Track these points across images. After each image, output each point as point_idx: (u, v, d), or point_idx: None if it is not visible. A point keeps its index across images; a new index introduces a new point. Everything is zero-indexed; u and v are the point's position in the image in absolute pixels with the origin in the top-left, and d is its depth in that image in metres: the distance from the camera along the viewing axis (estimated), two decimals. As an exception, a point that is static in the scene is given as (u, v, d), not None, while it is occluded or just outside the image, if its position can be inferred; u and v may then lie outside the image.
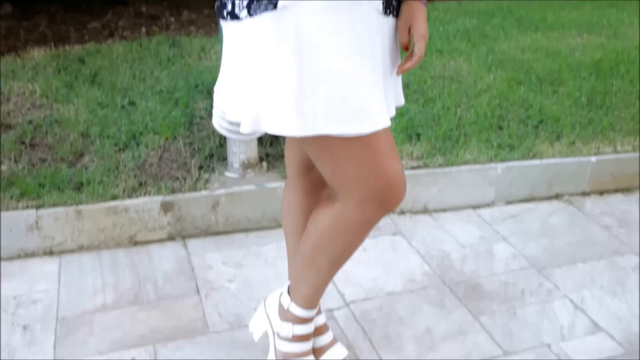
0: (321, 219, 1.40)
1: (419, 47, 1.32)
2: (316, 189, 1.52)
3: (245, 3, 1.22)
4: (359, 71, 1.21)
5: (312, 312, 1.58)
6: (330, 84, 1.19)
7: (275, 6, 1.18)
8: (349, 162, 1.27)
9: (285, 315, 1.59)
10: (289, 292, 1.60)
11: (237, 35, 1.26)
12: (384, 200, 1.31)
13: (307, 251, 1.45)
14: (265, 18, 1.20)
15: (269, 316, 1.64)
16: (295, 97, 1.20)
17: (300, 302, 1.55)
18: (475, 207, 2.58)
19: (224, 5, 1.27)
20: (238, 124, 2.30)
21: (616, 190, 2.76)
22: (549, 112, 2.82)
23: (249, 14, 1.21)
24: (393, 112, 1.38)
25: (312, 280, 1.49)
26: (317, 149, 1.30)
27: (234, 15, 1.24)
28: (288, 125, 1.21)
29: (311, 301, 1.54)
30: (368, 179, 1.29)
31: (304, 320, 1.58)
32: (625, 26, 4.10)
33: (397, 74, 1.36)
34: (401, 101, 1.45)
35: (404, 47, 1.36)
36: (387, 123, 1.25)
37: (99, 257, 2.19)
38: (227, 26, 1.28)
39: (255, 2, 1.20)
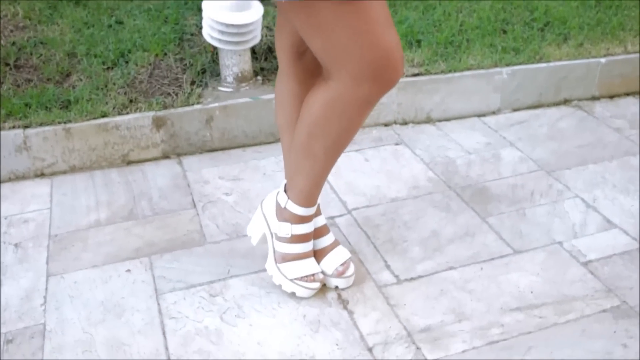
0: (315, 101, 1.31)
1: None
2: (310, 77, 1.42)
3: None
4: None
5: (311, 210, 1.50)
6: None
7: None
8: (340, 30, 1.17)
9: (283, 214, 1.52)
10: (285, 191, 1.52)
11: None
12: (380, 75, 1.22)
13: (301, 139, 1.37)
14: None
15: (266, 217, 1.57)
16: None
17: (298, 199, 1.47)
18: (481, 115, 2.48)
19: None
20: (228, 33, 2.20)
21: (627, 94, 2.65)
22: (555, 14, 2.69)
23: None
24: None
25: (308, 172, 1.41)
26: (305, 18, 1.19)
27: None
28: None
29: (309, 197, 1.47)
30: (361, 50, 1.18)
31: (303, 219, 1.51)
32: None
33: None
34: None
35: None
36: (381, -11, 1.14)
37: (92, 177, 2.12)
38: None
39: None
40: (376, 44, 1.18)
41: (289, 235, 1.52)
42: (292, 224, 1.51)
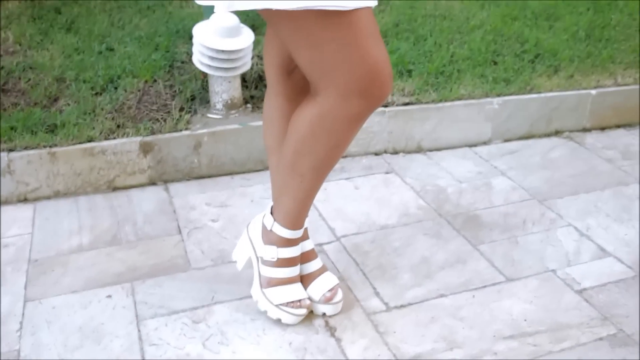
0: (302, 118, 1.28)
1: None
2: (299, 94, 1.38)
3: None
4: None
5: (298, 233, 1.46)
6: None
7: None
8: (328, 44, 1.15)
9: (269, 237, 1.48)
10: (272, 213, 1.48)
11: None
12: (369, 90, 1.19)
13: (288, 158, 1.33)
14: None
15: (252, 241, 1.52)
16: None
17: (284, 221, 1.43)
18: (472, 145, 2.46)
19: None
20: (218, 59, 2.18)
21: (618, 126, 2.64)
22: (545, 46, 2.70)
23: None
24: (376, 2, 1.25)
25: (295, 192, 1.37)
26: (292, 29, 1.17)
27: None
28: None
29: (295, 219, 1.43)
30: (349, 64, 1.16)
31: (289, 242, 1.46)
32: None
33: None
34: None
35: None
36: (370, 1, 1.12)
37: (76, 202, 2.08)
38: None
39: None
40: (364, 58, 1.16)
41: (275, 259, 1.47)
42: (278, 247, 1.47)
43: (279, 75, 1.41)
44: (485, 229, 1.92)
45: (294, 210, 1.41)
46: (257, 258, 1.52)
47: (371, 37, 1.17)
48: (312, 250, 1.57)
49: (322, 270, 1.57)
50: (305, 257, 1.55)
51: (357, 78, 1.18)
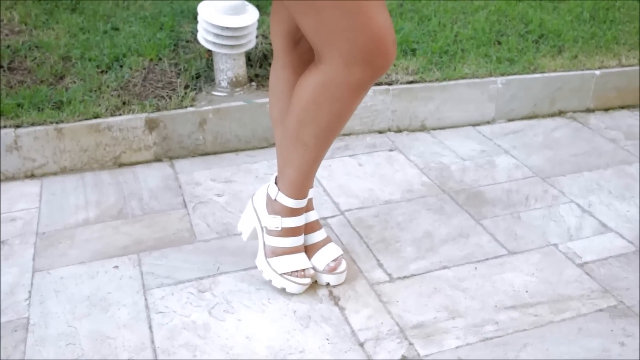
0: (305, 86, 1.29)
1: None
2: (304, 66, 1.39)
3: None
4: None
5: (302, 203, 1.48)
6: None
7: None
8: (332, 10, 1.16)
9: (273, 206, 1.49)
10: (276, 183, 1.50)
11: None
12: (372, 60, 1.20)
13: (291, 127, 1.35)
14: None
15: (257, 211, 1.54)
16: None
17: (288, 190, 1.45)
18: (475, 124, 2.47)
19: None
20: (223, 36, 2.20)
21: (621, 107, 2.65)
22: (549, 27, 2.70)
23: None
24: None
25: (299, 162, 1.38)
26: (298, -2, 1.18)
27: None
28: None
29: (299, 188, 1.44)
30: (353, 32, 1.17)
31: (293, 212, 1.48)
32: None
33: None
34: None
35: None
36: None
37: (82, 178, 2.09)
38: None
39: None
40: (368, 26, 1.17)
41: (279, 229, 1.49)
42: (282, 216, 1.48)
43: (286, 46, 1.42)
44: (488, 205, 1.94)
45: (298, 179, 1.43)
46: (262, 228, 1.53)
47: (375, 4, 1.17)
48: (317, 221, 1.58)
49: (326, 241, 1.59)
50: (310, 228, 1.56)
51: (360, 45, 1.19)
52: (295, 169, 1.41)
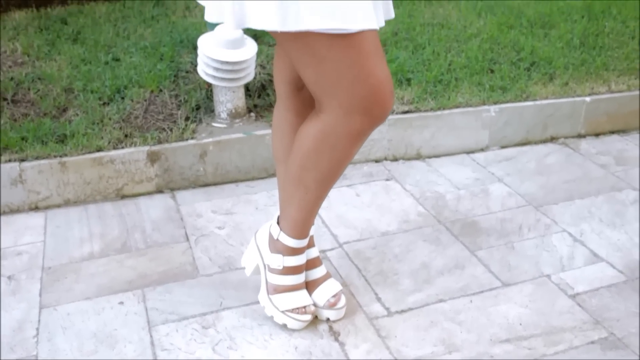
0: (306, 133, 1.34)
1: None
2: (307, 109, 1.45)
3: None
4: None
5: (303, 242, 1.53)
6: None
7: None
8: (333, 63, 1.21)
9: (276, 246, 1.54)
10: (278, 222, 1.55)
11: None
12: (370, 109, 1.26)
13: (293, 171, 1.40)
14: None
15: (260, 249, 1.59)
16: None
17: (290, 231, 1.50)
18: (469, 151, 2.53)
19: None
20: (223, 70, 2.25)
21: (612, 132, 2.71)
22: (541, 54, 2.76)
23: None
24: (382, 23, 1.31)
25: (300, 203, 1.44)
26: (299, 48, 1.24)
27: None
28: (269, 19, 1.15)
29: (301, 228, 1.49)
30: (352, 84, 1.23)
31: (295, 251, 1.53)
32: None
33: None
34: (391, 14, 1.38)
35: None
36: (373, 24, 1.19)
37: (86, 210, 2.14)
38: None
39: None
40: (367, 78, 1.23)
41: (281, 267, 1.54)
42: (284, 255, 1.53)
43: (289, 91, 1.48)
44: (482, 235, 1.99)
45: (300, 220, 1.48)
46: (265, 265, 1.58)
47: (374, 56, 1.23)
48: (317, 257, 1.63)
49: (326, 276, 1.64)
50: (311, 264, 1.61)
51: (359, 97, 1.24)
52: (297, 210, 1.46)
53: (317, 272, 1.62)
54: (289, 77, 1.46)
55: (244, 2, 1.19)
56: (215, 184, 2.29)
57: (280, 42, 1.30)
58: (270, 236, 1.56)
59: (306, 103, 1.46)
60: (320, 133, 1.31)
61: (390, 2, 1.39)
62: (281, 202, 1.53)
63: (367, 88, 1.23)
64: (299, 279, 1.57)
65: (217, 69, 2.25)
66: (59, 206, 2.16)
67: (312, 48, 1.21)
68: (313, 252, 1.62)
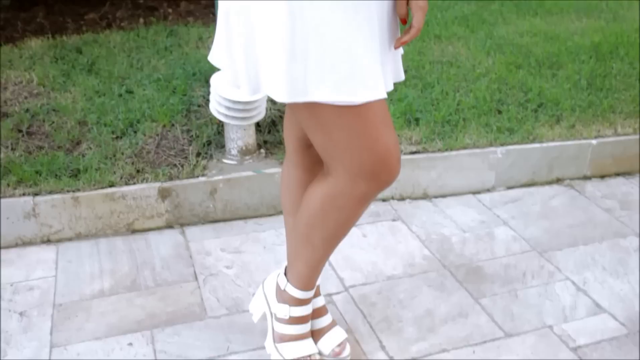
0: (314, 194, 1.38)
1: (417, 19, 1.29)
2: (315, 165, 1.49)
3: None
4: (353, 36, 1.19)
5: (309, 294, 1.56)
6: (321, 49, 1.17)
7: None
8: (340, 131, 1.25)
9: (282, 296, 1.58)
10: (285, 273, 1.58)
11: None
12: (377, 175, 1.29)
13: (301, 228, 1.44)
14: None
15: (267, 297, 1.63)
16: (285, 61, 1.18)
17: (297, 282, 1.53)
18: (476, 192, 2.56)
19: None
20: (235, 109, 2.29)
21: (617, 174, 2.74)
22: (548, 95, 2.80)
23: None
24: (391, 86, 1.35)
25: (307, 259, 1.47)
26: (308, 116, 1.28)
27: None
28: (277, 90, 1.19)
29: (307, 281, 1.53)
30: (359, 151, 1.26)
31: (301, 302, 1.56)
32: (624, 9, 4.07)
33: (395, 47, 1.33)
34: (401, 76, 1.42)
35: (402, 20, 1.33)
36: (381, 94, 1.22)
37: (97, 244, 2.18)
38: None
39: None
40: (373, 147, 1.26)
41: (287, 317, 1.57)
42: (290, 305, 1.57)
43: (298, 147, 1.52)
44: (486, 282, 2.02)
45: (306, 273, 1.51)
46: (272, 314, 1.62)
47: (381, 124, 1.27)
48: (324, 306, 1.67)
49: (332, 325, 1.67)
50: (317, 313, 1.64)
51: (366, 163, 1.28)
52: (303, 264, 1.50)
53: (323, 321, 1.65)
54: (298, 135, 1.50)
55: (259, 70, 1.23)
56: (224, 220, 2.33)
57: (290, 106, 1.34)
58: (278, 286, 1.59)
59: (314, 160, 1.50)
60: (327, 195, 1.35)
61: (400, 63, 1.43)
62: (289, 254, 1.56)
63: (374, 156, 1.27)
64: (305, 328, 1.60)
65: (229, 108, 2.30)
66: (70, 239, 2.20)
67: (320, 116, 1.25)
68: (319, 302, 1.65)
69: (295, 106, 1.29)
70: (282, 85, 1.19)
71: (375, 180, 1.30)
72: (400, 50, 1.42)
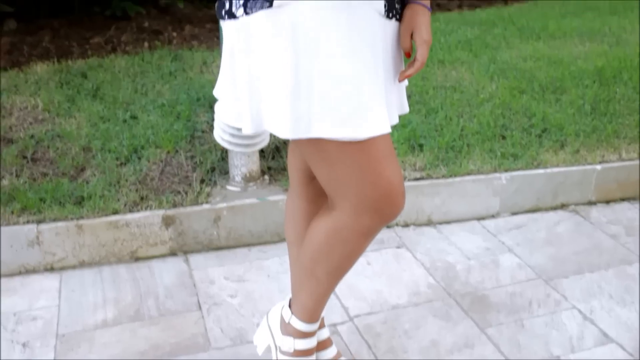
0: (318, 228, 1.38)
1: (421, 53, 1.29)
2: (319, 197, 1.49)
3: (241, 2, 1.21)
4: (357, 72, 1.19)
5: (314, 326, 1.55)
6: (325, 85, 1.18)
7: (271, 4, 1.18)
8: (344, 167, 1.25)
9: (287, 328, 1.56)
10: (290, 305, 1.57)
11: (235, 33, 1.25)
12: (381, 210, 1.29)
13: (305, 262, 1.43)
14: (261, 16, 1.19)
15: (272, 329, 1.61)
16: (289, 97, 1.18)
17: (301, 315, 1.52)
18: (480, 218, 2.55)
19: (222, 5, 1.26)
20: (239, 136, 2.29)
21: (622, 199, 2.73)
22: (552, 121, 2.80)
23: (245, 12, 1.21)
24: (396, 120, 1.35)
25: (311, 292, 1.46)
26: (312, 151, 1.28)
27: (231, 14, 1.24)
28: (281, 126, 1.20)
29: (312, 314, 1.52)
30: (363, 186, 1.26)
31: (305, 335, 1.55)
32: (627, 33, 4.08)
33: (399, 80, 1.33)
34: (405, 109, 1.42)
35: (406, 53, 1.34)
36: (385, 129, 1.22)
37: (100, 272, 2.17)
38: (226, 25, 1.27)
39: (251, 0, 1.19)
40: (378, 181, 1.26)
41: (292, 350, 1.56)
42: (295, 338, 1.55)
43: (302, 179, 1.51)
44: (492, 311, 2.00)
45: (311, 306, 1.50)
46: (276, 347, 1.60)
47: (385, 159, 1.27)
48: (328, 338, 1.65)
49: (337, 357, 1.65)
50: (321, 345, 1.63)
51: (370, 198, 1.27)
52: (308, 297, 1.49)
53: (328, 353, 1.64)
54: (302, 167, 1.50)
55: (261, 107, 1.23)
56: (228, 247, 2.32)
57: (294, 140, 1.34)
58: (282, 318, 1.58)
59: (319, 192, 1.50)
60: (331, 229, 1.35)
61: (404, 95, 1.43)
62: (293, 286, 1.56)
63: (378, 191, 1.27)
64: (310, 360, 1.59)
65: (233, 135, 2.29)
66: (73, 267, 2.20)
67: (324, 152, 1.25)
68: (324, 334, 1.64)
69: (299, 140, 1.29)
70: (286, 122, 1.19)
71: (379, 214, 1.30)
72: (405, 83, 1.42)
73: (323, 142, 1.23)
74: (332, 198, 1.33)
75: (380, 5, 1.24)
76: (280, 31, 1.17)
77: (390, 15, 1.27)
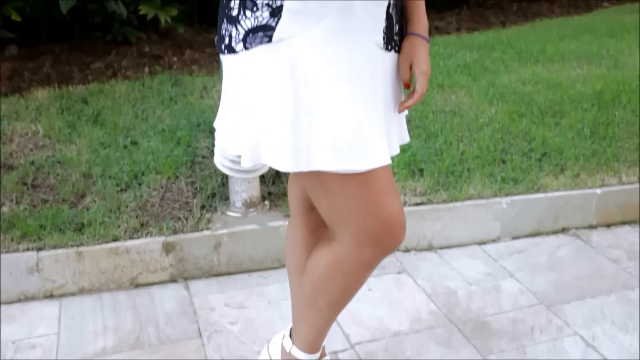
0: (319, 259, 1.38)
1: (421, 84, 1.30)
2: (320, 227, 1.49)
3: (241, 36, 1.22)
4: (356, 105, 1.19)
5: (315, 356, 1.54)
6: (326, 118, 1.18)
7: (270, 39, 1.18)
8: (345, 199, 1.25)
9: (288, 358, 1.55)
10: (290, 335, 1.57)
11: (235, 68, 1.25)
12: (381, 241, 1.29)
13: (306, 293, 1.43)
14: (260, 51, 1.20)
15: (272, 359, 1.60)
16: (289, 131, 1.19)
17: (302, 345, 1.52)
18: (481, 242, 2.54)
19: (222, 39, 1.27)
20: (239, 163, 2.30)
21: (623, 222, 2.72)
22: (552, 144, 2.81)
23: (245, 47, 1.21)
24: (397, 150, 1.36)
25: (312, 322, 1.46)
26: (313, 183, 1.28)
27: (231, 49, 1.24)
28: (281, 160, 1.20)
29: (313, 344, 1.51)
30: (364, 218, 1.26)
31: (307, 364, 1.54)
32: (625, 56, 4.11)
33: (399, 111, 1.34)
34: (406, 139, 1.43)
35: (405, 84, 1.35)
36: (385, 161, 1.23)
37: (100, 299, 2.16)
38: (225, 60, 1.28)
39: (251, 35, 1.20)
40: (378, 215, 1.26)
41: (294, 380, 1.55)
42: (296, 368, 1.55)
43: (303, 209, 1.51)
44: (494, 338, 1.99)
45: (312, 336, 1.50)
46: (277, 377, 1.59)
47: (386, 191, 1.27)
48: (329, 367, 1.64)
49: (338, 386, 1.64)
50: (322, 375, 1.62)
51: (371, 230, 1.28)
52: (309, 327, 1.48)
53: (329, 382, 1.63)
54: (302, 197, 1.50)
55: (259, 140, 1.23)
56: (228, 273, 2.31)
57: (295, 172, 1.34)
58: (283, 348, 1.57)
59: (319, 222, 1.50)
60: (332, 261, 1.35)
61: (405, 125, 1.44)
62: (294, 316, 1.55)
63: (379, 222, 1.27)
64: (311, 390, 1.57)
65: (233, 161, 2.30)
66: (73, 294, 2.19)
67: (324, 184, 1.26)
68: (325, 363, 1.63)
69: (300, 173, 1.29)
70: (286, 155, 1.19)
71: (380, 246, 1.30)
72: (405, 112, 1.43)
73: (324, 175, 1.24)
74: (333, 229, 1.33)
75: (379, 38, 1.25)
76: (280, 66, 1.18)
77: (389, 47, 1.28)
